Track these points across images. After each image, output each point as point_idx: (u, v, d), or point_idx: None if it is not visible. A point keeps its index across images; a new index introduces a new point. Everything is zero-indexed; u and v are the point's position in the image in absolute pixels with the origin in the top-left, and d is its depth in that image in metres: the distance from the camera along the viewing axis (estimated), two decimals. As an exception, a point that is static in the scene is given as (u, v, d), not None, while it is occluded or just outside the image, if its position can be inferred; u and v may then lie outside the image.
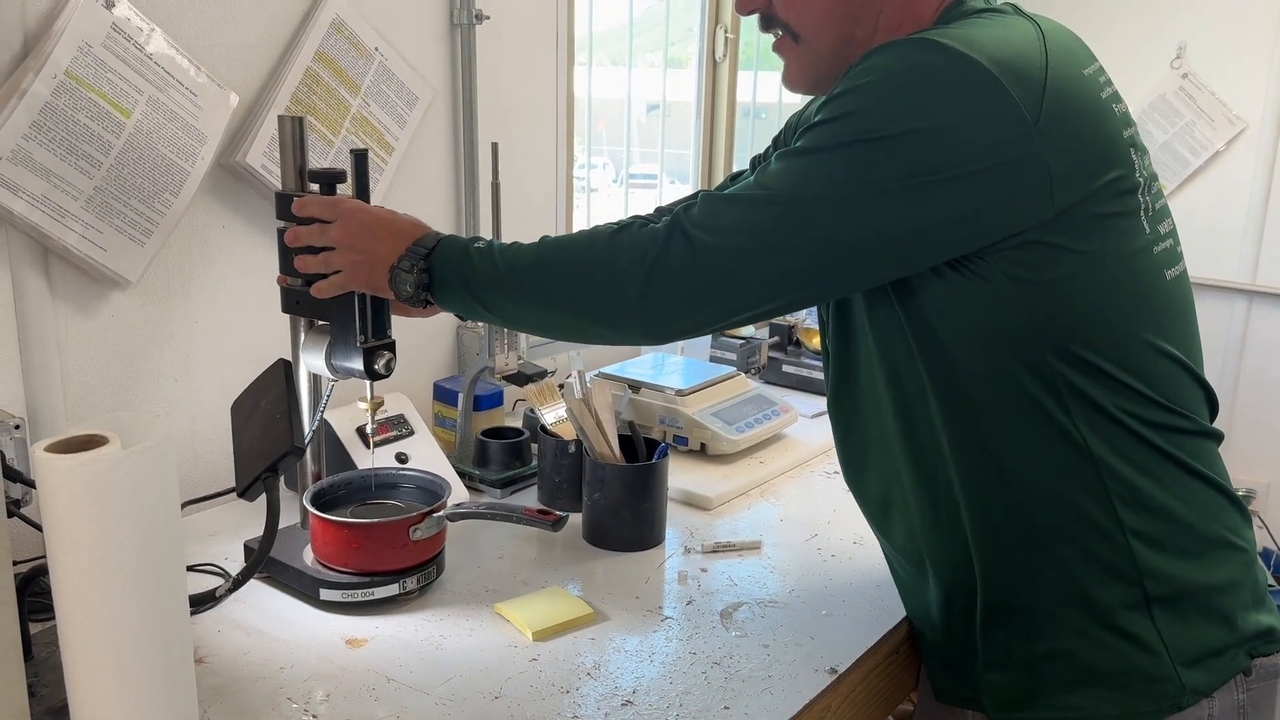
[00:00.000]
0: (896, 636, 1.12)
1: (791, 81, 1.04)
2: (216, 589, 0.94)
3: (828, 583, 1.21)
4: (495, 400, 1.56)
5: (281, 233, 1.13)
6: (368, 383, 1.13)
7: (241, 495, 1.04)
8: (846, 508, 1.41)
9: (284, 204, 1.13)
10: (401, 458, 1.36)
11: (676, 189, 2.38)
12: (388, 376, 1.12)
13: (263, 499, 1.02)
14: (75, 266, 1.25)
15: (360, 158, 1.10)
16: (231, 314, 1.42)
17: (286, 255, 1.13)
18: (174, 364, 1.38)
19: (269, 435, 1.05)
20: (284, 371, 1.11)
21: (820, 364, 1.92)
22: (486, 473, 1.44)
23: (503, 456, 1.45)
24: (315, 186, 1.12)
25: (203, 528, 1.30)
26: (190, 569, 1.20)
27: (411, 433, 1.39)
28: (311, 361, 1.14)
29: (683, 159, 2.39)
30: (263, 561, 0.96)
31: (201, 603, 0.95)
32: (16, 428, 1.19)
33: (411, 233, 1.06)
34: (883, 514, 1.10)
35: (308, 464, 1.21)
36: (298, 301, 1.15)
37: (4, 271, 1.20)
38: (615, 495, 1.27)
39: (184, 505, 1.32)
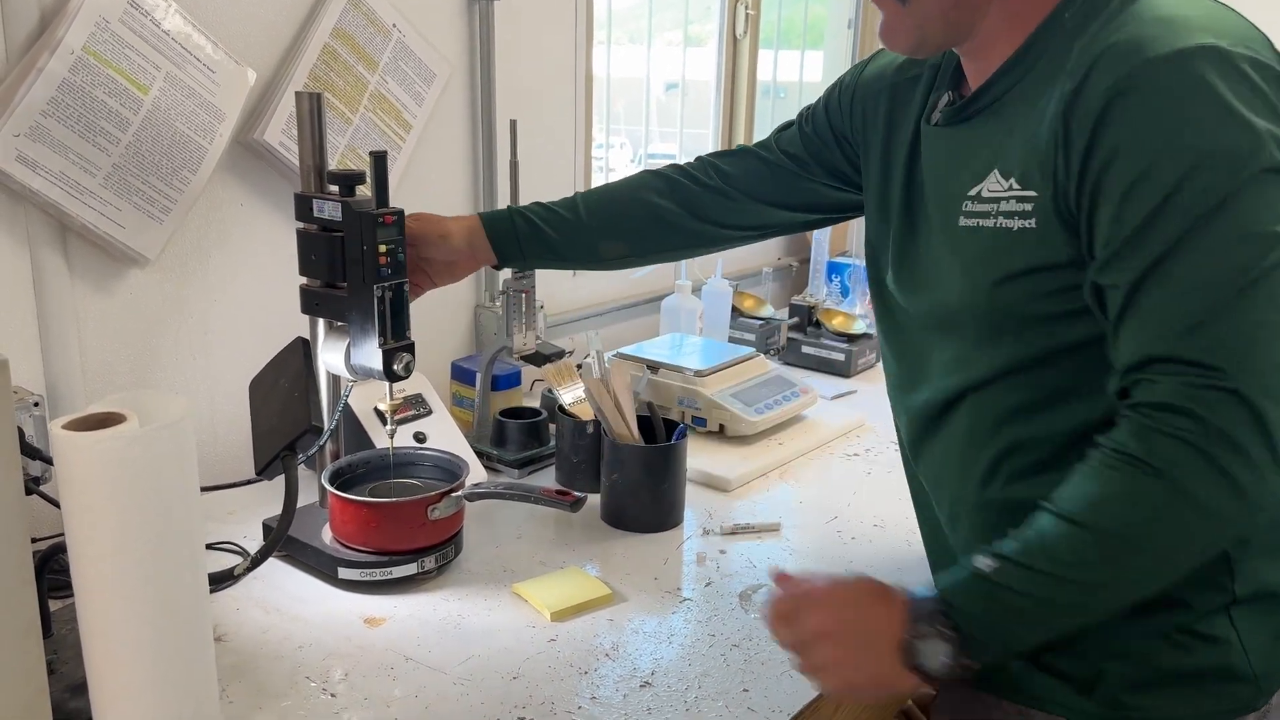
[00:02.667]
0: (918, 620, 1.11)
1: (892, 39, 0.95)
2: (235, 567, 0.94)
3: (847, 565, 1.20)
4: (513, 380, 1.56)
5: (301, 233, 1.12)
6: (387, 384, 1.12)
7: (259, 474, 1.04)
8: (867, 490, 1.40)
9: (303, 206, 1.12)
10: (419, 437, 1.35)
11: None
12: (406, 378, 1.11)
13: (281, 478, 1.01)
14: (93, 244, 1.25)
15: (379, 160, 1.09)
16: (249, 291, 1.42)
17: (306, 256, 1.13)
18: (192, 341, 1.38)
19: (287, 414, 1.05)
20: (302, 350, 1.10)
21: (839, 345, 1.90)
22: (504, 453, 1.43)
23: (520, 437, 1.45)
24: (334, 188, 1.11)
25: (221, 506, 1.30)
26: (209, 547, 1.20)
27: (429, 412, 1.39)
28: (331, 361, 1.14)
29: (701, 138, 2.37)
30: (281, 540, 0.96)
31: (220, 581, 0.95)
32: (35, 405, 1.19)
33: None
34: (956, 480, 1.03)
35: (326, 443, 1.21)
36: (317, 303, 1.14)
37: (22, 249, 1.20)
38: (634, 476, 1.26)
39: (207, 490, 1.32)
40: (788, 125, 1.25)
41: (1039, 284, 0.87)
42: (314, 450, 1.03)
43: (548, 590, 1.10)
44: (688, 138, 2.33)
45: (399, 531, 1.11)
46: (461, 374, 1.55)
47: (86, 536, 0.79)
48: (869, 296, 1.14)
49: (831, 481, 1.45)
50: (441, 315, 1.69)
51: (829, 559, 1.22)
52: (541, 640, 1.03)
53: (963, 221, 0.91)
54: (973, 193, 0.90)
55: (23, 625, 0.76)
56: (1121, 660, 0.93)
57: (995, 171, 0.89)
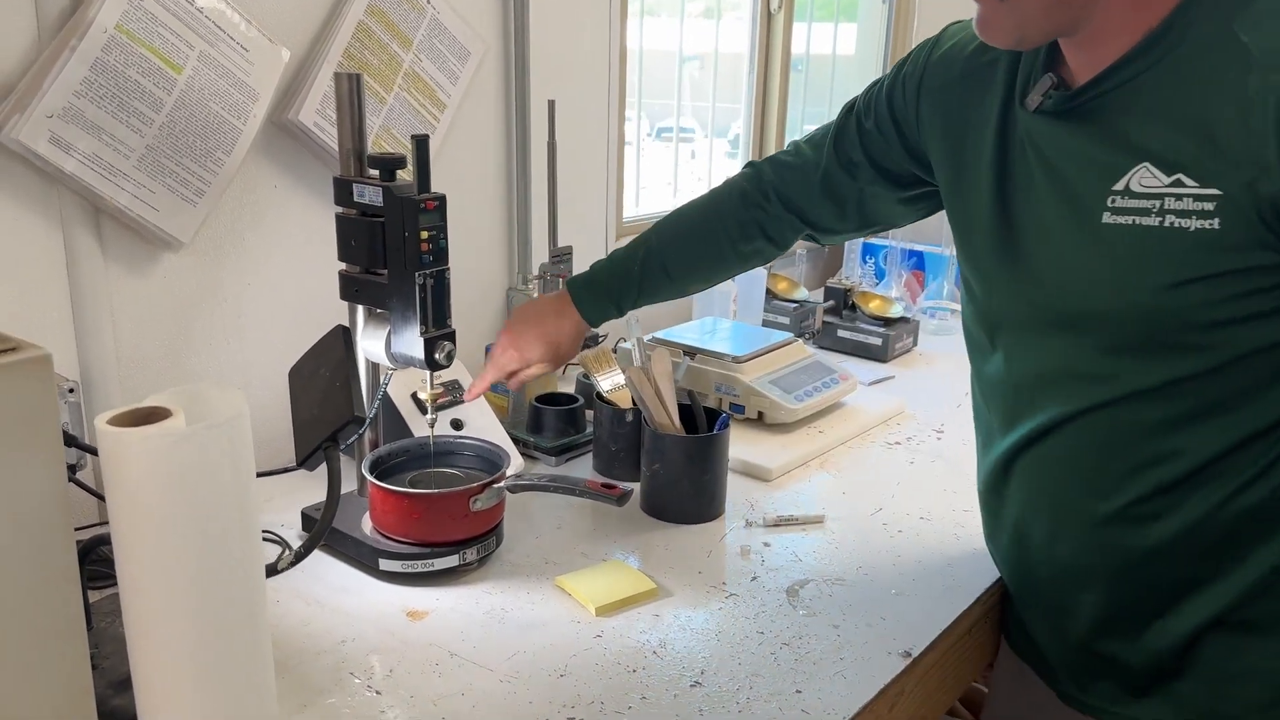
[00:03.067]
0: (972, 615, 1.09)
1: (991, 35, 0.91)
2: (278, 561, 0.93)
3: (895, 559, 1.18)
4: (549, 365, 1.53)
5: (341, 218, 1.10)
6: (428, 373, 1.10)
7: (301, 465, 1.02)
8: (910, 481, 1.38)
9: (342, 190, 1.09)
10: (457, 424, 1.33)
11: (717, 144, 2.32)
12: (448, 367, 1.09)
13: (323, 469, 0.99)
14: (127, 227, 1.23)
15: (421, 144, 1.06)
16: (283, 276, 1.40)
17: (345, 240, 1.10)
18: (225, 326, 1.36)
19: (329, 404, 1.02)
20: (343, 338, 1.08)
21: (876, 329, 1.87)
22: (541, 440, 1.41)
23: (557, 424, 1.42)
24: (374, 172, 1.09)
25: (259, 494, 1.28)
26: (246, 536, 1.18)
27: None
28: (371, 349, 1.12)
29: (723, 112, 2.32)
30: (324, 534, 0.94)
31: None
32: (70, 391, 1.17)
33: None
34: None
35: (364, 431, 1.19)
36: (357, 290, 1.12)
37: (55, 232, 1.18)
38: (675, 467, 1.24)
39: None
40: (838, 133, 1.20)
41: (1220, 288, 0.83)
42: (350, 438, 1.01)
43: (591, 583, 1.08)
44: (702, 110, 2.28)
45: (441, 523, 1.09)
46: (496, 358, 1.53)
47: (132, 536, 0.77)
48: (962, 284, 1.10)
49: (873, 471, 1.42)
50: (472, 297, 1.66)
51: (875, 552, 1.19)
52: (587, 636, 1.01)
53: (1109, 219, 0.87)
54: (1118, 187, 0.86)
55: (67, 625, 0.75)
56: (1248, 680, 0.91)
57: (1146, 165, 0.84)
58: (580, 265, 1.57)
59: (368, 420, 1.14)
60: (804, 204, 1.24)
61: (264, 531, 1.17)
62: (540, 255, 1.69)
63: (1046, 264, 0.93)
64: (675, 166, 2.21)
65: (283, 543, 1.17)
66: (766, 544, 1.20)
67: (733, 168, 2.40)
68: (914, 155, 1.13)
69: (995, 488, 1.07)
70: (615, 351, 1.54)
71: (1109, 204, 0.87)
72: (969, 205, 1.03)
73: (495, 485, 1.10)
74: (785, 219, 1.25)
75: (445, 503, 1.09)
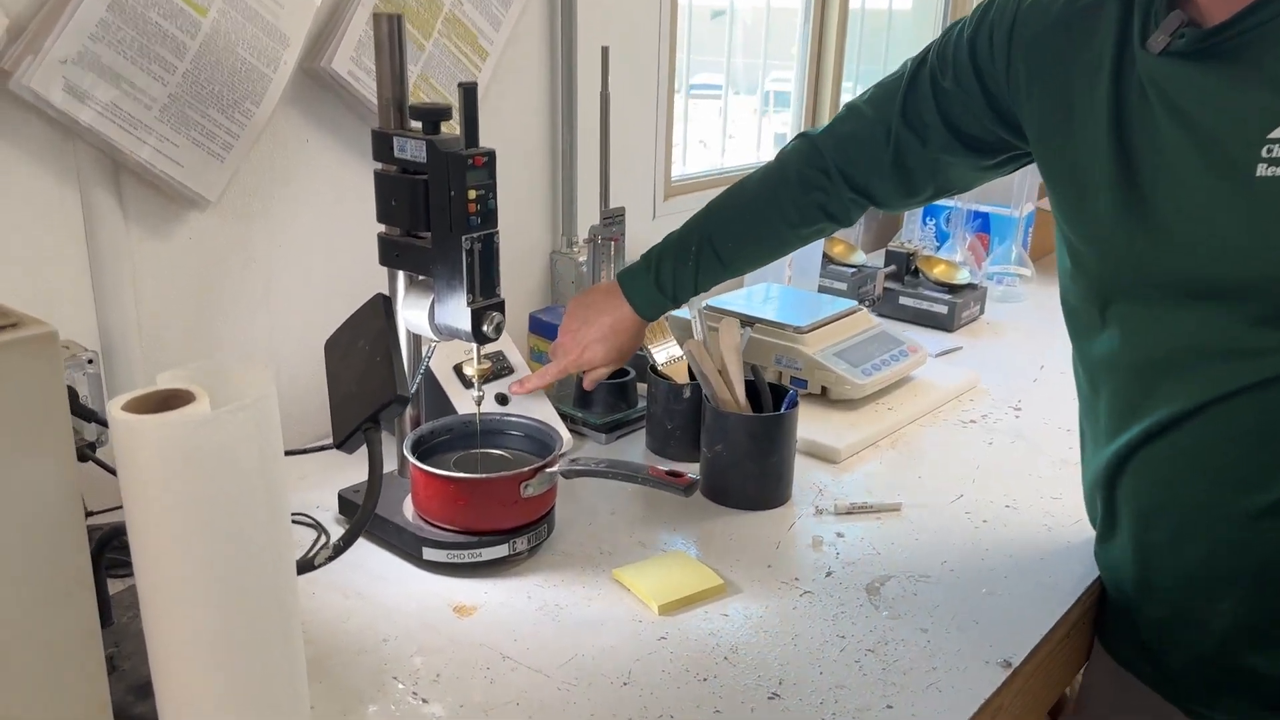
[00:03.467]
0: (1070, 618, 0.99)
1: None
2: (314, 555, 0.84)
3: (983, 553, 1.08)
4: (598, 335, 1.43)
5: (380, 175, 1.00)
6: (474, 346, 1.00)
7: (339, 447, 0.93)
8: (990, 464, 1.27)
9: (382, 144, 0.99)
10: (502, 399, 1.24)
11: (743, 100, 2.19)
12: (496, 340, 0.99)
13: (363, 452, 0.90)
14: (149, 184, 1.13)
15: (469, 94, 0.95)
16: (316, 237, 1.30)
17: (385, 201, 1.01)
18: (255, 291, 1.27)
19: (369, 381, 0.93)
20: (383, 308, 0.99)
21: (941, 296, 1.76)
22: (589, 415, 1.32)
23: (607, 398, 1.33)
24: (417, 124, 0.99)
25: (293, 471, 1.20)
26: (279, 519, 1.10)
27: (510, 370, 1.27)
28: (413, 319, 1.02)
29: (752, 69, 2.19)
30: (365, 525, 0.85)
31: (300, 570, 0.84)
32: (89, 362, 1.08)
33: None
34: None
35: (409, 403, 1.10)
36: (397, 254, 1.02)
37: (72, 189, 1.09)
38: (740, 449, 1.14)
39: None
40: (908, 92, 1.09)
41: None
42: (392, 418, 0.92)
43: (652, 578, 0.99)
44: (748, 69, 2.15)
45: (489, 509, 1.00)
46: (541, 327, 1.43)
47: (150, 534, 0.68)
48: (1063, 254, 0.99)
49: (950, 453, 1.31)
50: (512, 261, 1.56)
51: (959, 545, 1.09)
52: (651, 638, 0.92)
53: (1265, 171, 0.76)
54: (1276, 135, 0.75)
55: (80, 634, 0.66)
56: None
57: None
58: (629, 227, 1.47)
59: (408, 400, 1.05)
60: (870, 180, 1.13)
61: (299, 515, 1.09)
62: (586, 216, 1.58)
63: (1184, 225, 0.82)
64: (724, 123, 2.09)
65: (319, 527, 1.09)
66: (840, 534, 1.11)
67: (767, 128, 2.28)
68: (1000, 114, 1.02)
69: (1108, 484, 0.96)
70: (668, 320, 1.44)
71: (1264, 154, 0.76)
72: (1078, 164, 0.92)
73: (548, 470, 1.01)
74: (849, 198, 1.16)
75: (494, 488, 1.00)
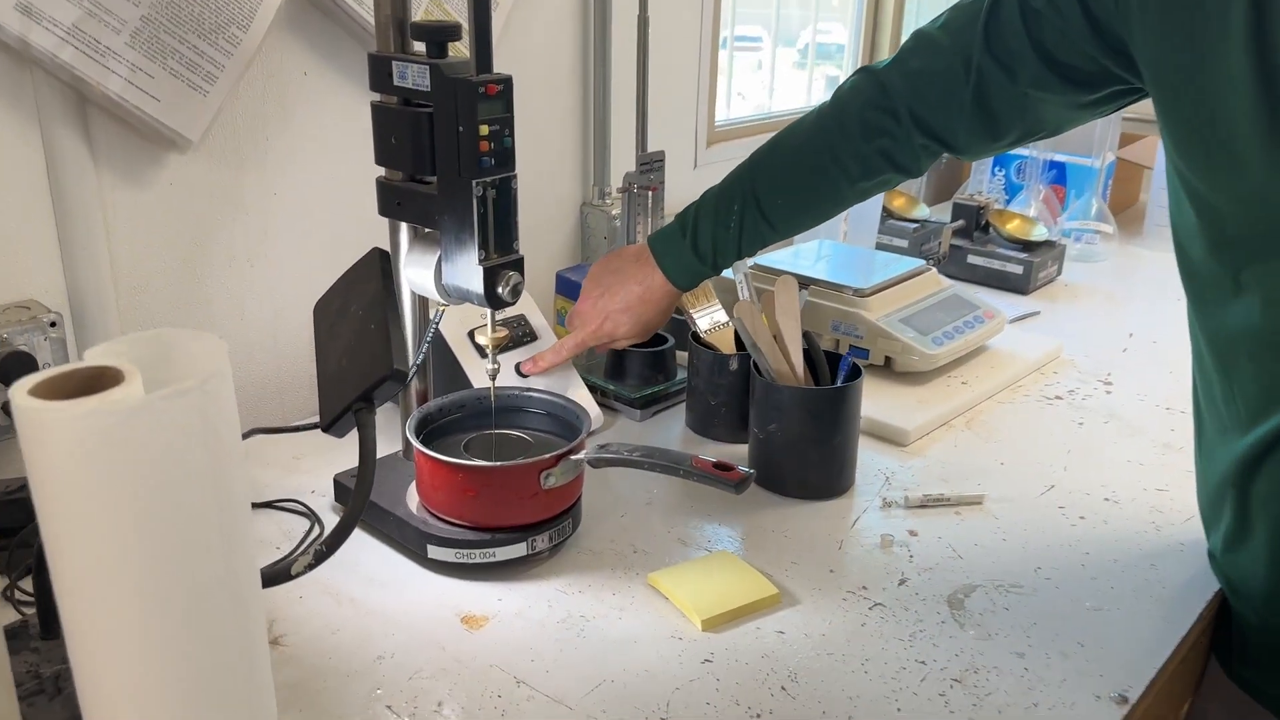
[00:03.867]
0: (1191, 636, 0.83)
1: None
2: (292, 564, 0.70)
3: (1083, 558, 0.92)
4: (633, 296, 1.28)
5: (377, 108, 0.85)
6: (488, 311, 0.86)
7: (327, 430, 0.79)
8: (1082, 448, 1.11)
9: (379, 71, 0.84)
10: (523, 370, 1.09)
11: (784, 54, 2.01)
12: (513, 304, 0.84)
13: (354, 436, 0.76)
14: (121, 121, 0.99)
15: (481, 8, 0.79)
16: (318, 183, 1.16)
17: (384, 138, 0.86)
18: (248, 244, 1.12)
19: (361, 352, 0.79)
20: (380, 266, 0.84)
21: (1016, 255, 1.58)
22: (622, 388, 1.17)
23: (642, 369, 1.17)
24: (420, 46, 0.83)
25: (285, 450, 1.06)
26: (269, 505, 0.97)
27: (534, 337, 1.12)
28: (417, 279, 0.87)
29: (791, 20, 2.00)
30: (353, 527, 0.71)
31: (274, 581, 0.71)
32: (53, 325, 0.95)
33: None
34: None
35: (412, 379, 0.95)
36: (399, 202, 0.87)
37: (32, 128, 0.95)
38: (797, 428, 0.99)
39: (264, 432, 1.09)
40: (990, 16, 0.92)
41: None
42: (388, 398, 0.78)
43: (694, 584, 0.85)
44: (784, 20, 1.97)
45: (504, 502, 0.85)
46: (569, 288, 1.28)
47: (66, 546, 0.54)
48: (1182, 205, 0.82)
49: (1035, 435, 1.15)
50: (539, 214, 1.41)
51: (1054, 547, 0.94)
52: (693, 660, 0.78)
53: None
54: None
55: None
56: None
57: None
58: (668, 176, 1.30)
59: (412, 373, 0.91)
60: (946, 122, 0.97)
61: (290, 501, 0.96)
62: (621, 164, 1.42)
63: None
64: (770, 77, 1.91)
65: (312, 516, 0.95)
66: (913, 532, 0.95)
67: (818, 75, 2.10)
68: (1104, 39, 0.84)
69: (1241, 482, 0.80)
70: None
71: None
72: (1206, 94, 0.75)
73: (573, 457, 0.86)
74: (920, 144, 0.99)
75: (510, 478, 0.85)
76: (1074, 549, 0.93)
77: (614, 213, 1.39)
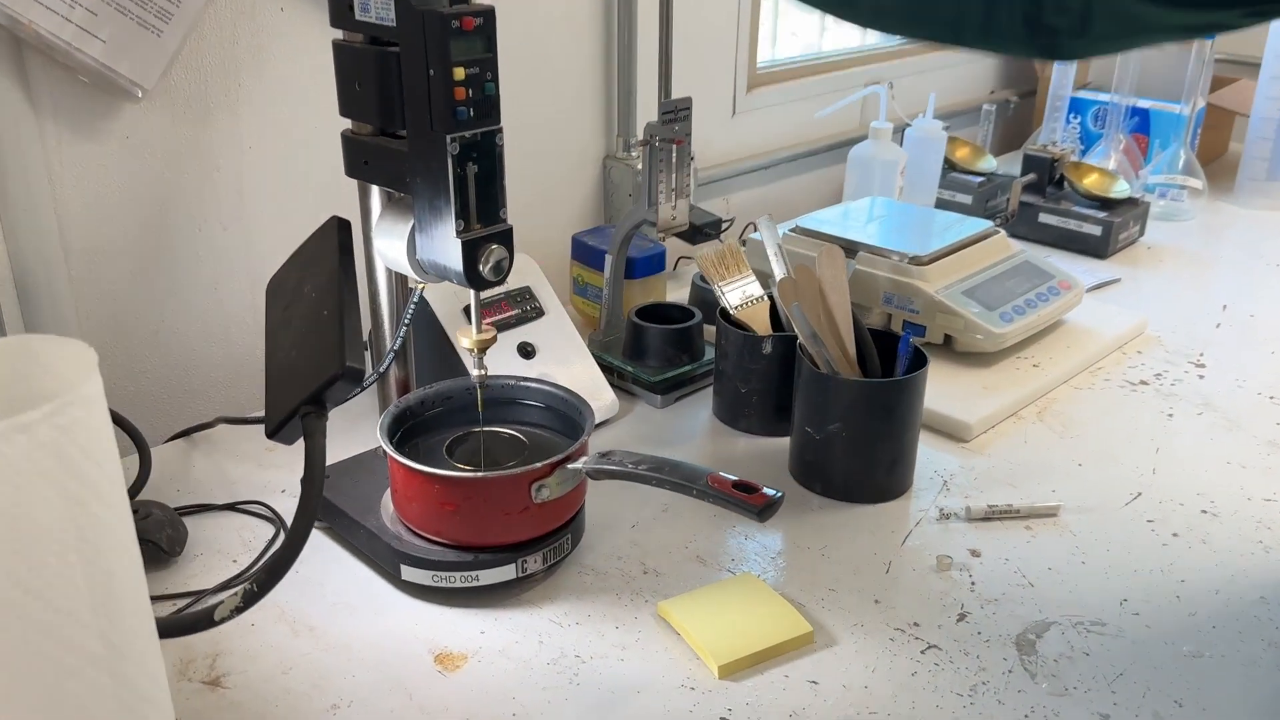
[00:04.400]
0: (1315, 702, 0.68)
1: None
2: (216, 607, 0.58)
3: (1178, 587, 0.77)
4: (655, 264, 1.14)
5: (339, 47, 0.71)
6: (471, 294, 0.72)
7: (272, 436, 0.66)
8: (1174, 444, 0.96)
9: (340, 2, 0.70)
10: (527, 350, 0.96)
11: None
12: (499, 283, 0.71)
13: (343, 423, 0.63)
14: (63, 66, 0.87)
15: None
16: (298, 134, 1.03)
17: (347, 82, 0.72)
18: (220, 205, 1.00)
19: (312, 344, 0.66)
20: (338, 238, 0.70)
21: (1094, 213, 1.41)
22: (641, 370, 1.03)
23: (664, 347, 1.03)
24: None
25: (259, 441, 0.94)
26: (231, 508, 0.85)
27: (540, 313, 0.99)
28: (389, 252, 0.74)
29: None
30: (290, 564, 0.59)
31: (194, 628, 0.59)
32: (-16, 303, 0.84)
33: None
34: None
35: (391, 364, 0.82)
36: (366, 161, 0.74)
37: (-43, 72, 0.82)
38: (854, 425, 0.84)
39: (231, 422, 0.97)
40: None
41: None
42: (341, 399, 0.65)
43: (711, 618, 0.71)
44: None
45: (487, 518, 0.72)
46: (586, 253, 1.14)
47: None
48: None
49: (1118, 429, 0.99)
50: (555, 169, 1.26)
51: (1144, 573, 0.79)
52: (707, 717, 0.65)
53: None
54: None
55: None
56: None
57: None
58: (702, 125, 1.15)
59: (388, 360, 0.78)
60: None
61: (251, 503, 0.84)
62: (650, 111, 1.27)
63: None
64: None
65: (278, 521, 0.83)
66: (974, 552, 0.81)
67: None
68: None
69: None
70: (745, 245, 1.14)
71: None
72: None
73: (570, 466, 0.72)
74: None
75: (494, 490, 0.72)
76: (1166, 575, 0.78)
77: (640, 167, 1.24)
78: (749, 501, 0.65)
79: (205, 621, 0.57)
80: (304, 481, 0.61)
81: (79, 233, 0.92)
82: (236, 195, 1.01)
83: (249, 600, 0.58)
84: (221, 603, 0.58)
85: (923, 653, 0.70)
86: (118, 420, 0.90)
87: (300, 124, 1.03)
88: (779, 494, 0.65)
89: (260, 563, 0.77)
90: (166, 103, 0.94)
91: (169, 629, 0.57)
